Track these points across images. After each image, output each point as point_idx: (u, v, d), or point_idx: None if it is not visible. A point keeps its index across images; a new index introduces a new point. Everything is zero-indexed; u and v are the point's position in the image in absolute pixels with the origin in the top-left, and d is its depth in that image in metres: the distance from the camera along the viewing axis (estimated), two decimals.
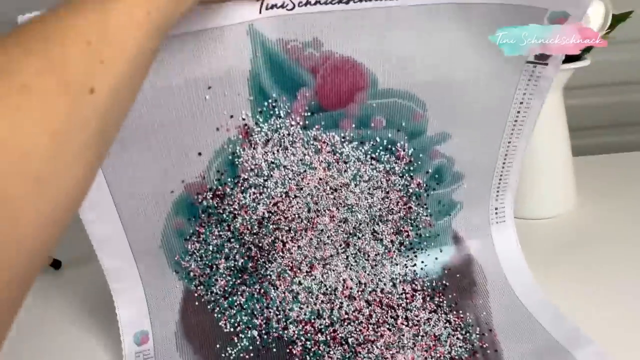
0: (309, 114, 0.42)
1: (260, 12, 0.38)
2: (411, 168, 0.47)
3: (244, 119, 0.41)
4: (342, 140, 0.44)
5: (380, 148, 0.45)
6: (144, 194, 0.42)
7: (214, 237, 0.45)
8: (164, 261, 0.45)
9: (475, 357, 0.44)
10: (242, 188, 0.44)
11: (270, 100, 0.41)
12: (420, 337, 0.46)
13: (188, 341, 0.45)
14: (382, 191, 0.47)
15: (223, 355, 0.45)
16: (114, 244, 0.43)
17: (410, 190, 0.48)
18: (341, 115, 0.43)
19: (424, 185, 0.48)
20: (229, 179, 0.43)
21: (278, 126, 0.42)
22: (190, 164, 0.42)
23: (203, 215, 0.44)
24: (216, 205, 0.44)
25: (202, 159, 0.42)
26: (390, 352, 0.45)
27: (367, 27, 0.40)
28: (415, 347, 0.45)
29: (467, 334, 0.46)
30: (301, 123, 0.43)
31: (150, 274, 0.45)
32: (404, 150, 0.46)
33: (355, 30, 0.40)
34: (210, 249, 0.45)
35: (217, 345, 0.45)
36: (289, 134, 0.43)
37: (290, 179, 0.44)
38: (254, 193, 0.44)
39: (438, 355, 0.45)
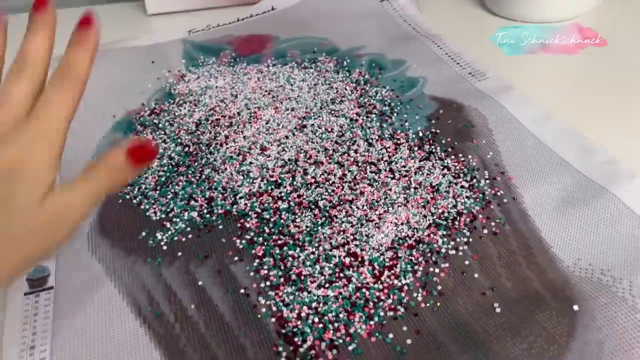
0: (232, 60, 0.49)
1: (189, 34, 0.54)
2: (347, 68, 0.47)
3: (179, 71, 0.48)
4: (267, 66, 0.48)
5: (306, 62, 0.48)
6: (87, 119, 0.42)
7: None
8: None
9: (489, 209, 0.33)
10: (178, 104, 0.44)
11: (199, 60, 0.50)
12: (413, 190, 0.34)
13: (105, 236, 0.33)
14: (322, 84, 0.45)
15: (151, 241, 0.33)
16: None
17: (360, 78, 0.46)
18: (259, 56, 0.50)
19: (366, 74, 0.47)
20: (167, 101, 0.45)
21: (208, 69, 0.48)
22: (133, 99, 0.45)
23: (139, 127, 0.43)
24: (153, 119, 0.43)
25: (144, 95, 0.46)
26: (377, 211, 0.33)
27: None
28: (409, 203, 0.33)
29: (474, 180, 0.35)
30: (227, 64, 0.49)
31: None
32: (329, 57, 0.48)
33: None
34: None
35: (143, 233, 0.33)
36: (218, 71, 0.48)
37: (224, 90, 0.45)
38: (189, 106, 0.44)
39: (440, 210, 0.33)
